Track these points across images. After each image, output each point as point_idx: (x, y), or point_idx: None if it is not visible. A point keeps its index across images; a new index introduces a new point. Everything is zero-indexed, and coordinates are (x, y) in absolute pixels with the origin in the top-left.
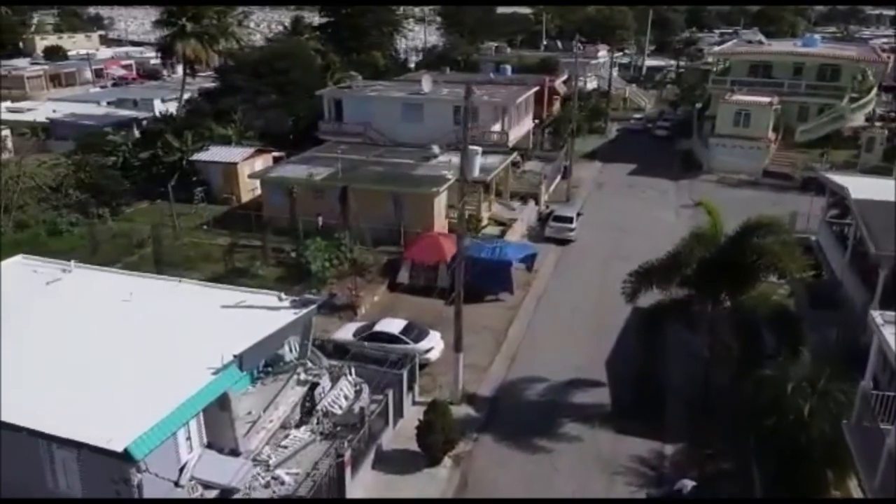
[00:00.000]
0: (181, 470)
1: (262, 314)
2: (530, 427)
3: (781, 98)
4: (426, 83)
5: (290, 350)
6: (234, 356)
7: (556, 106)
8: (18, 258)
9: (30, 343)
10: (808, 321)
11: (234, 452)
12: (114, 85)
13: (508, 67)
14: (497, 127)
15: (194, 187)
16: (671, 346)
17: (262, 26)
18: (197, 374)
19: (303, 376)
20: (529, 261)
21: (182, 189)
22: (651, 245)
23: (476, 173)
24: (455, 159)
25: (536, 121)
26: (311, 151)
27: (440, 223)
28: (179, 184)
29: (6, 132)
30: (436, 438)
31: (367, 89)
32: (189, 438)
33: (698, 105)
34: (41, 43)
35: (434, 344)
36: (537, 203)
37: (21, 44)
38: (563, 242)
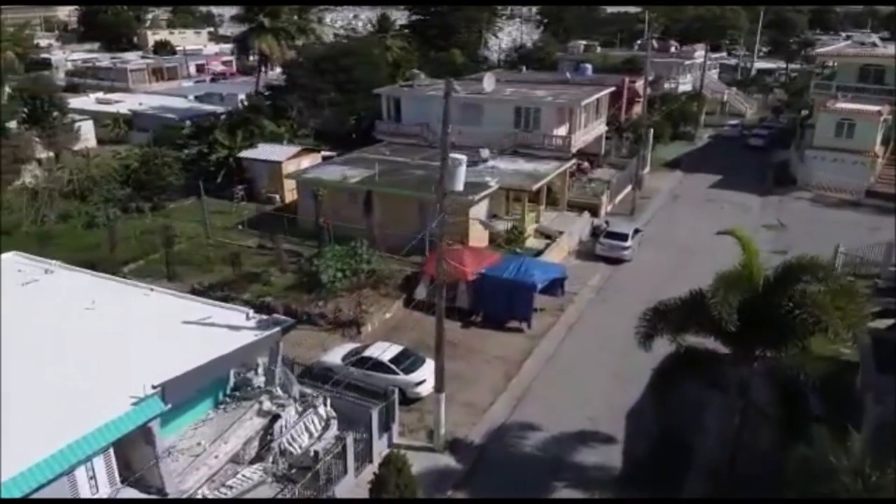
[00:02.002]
0: None
1: (222, 333)
2: (517, 487)
3: (894, 108)
4: (488, 82)
5: (258, 374)
6: (154, 387)
7: (638, 109)
8: (11, 255)
9: None
10: (872, 389)
11: (161, 492)
12: (211, 80)
13: (589, 67)
14: (560, 130)
15: (240, 185)
16: (699, 401)
17: (339, 24)
18: (117, 403)
19: (266, 405)
20: (559, 284)
21: (229, 186)
22: (717, 270)
23: (458, 187)
24: (503, 165)
25: (615, 124)
26: (357, 152)
27: (477, 235)
28: (227, 181)
29: (86, 123)
30: (388, 499)
31: (428, 88)
32: (94, 477)
33: (804, 112)
34: (153, 38)
35: (427, 376)
36: (596, 215)
37: (135, 38)
38: (616, 262)
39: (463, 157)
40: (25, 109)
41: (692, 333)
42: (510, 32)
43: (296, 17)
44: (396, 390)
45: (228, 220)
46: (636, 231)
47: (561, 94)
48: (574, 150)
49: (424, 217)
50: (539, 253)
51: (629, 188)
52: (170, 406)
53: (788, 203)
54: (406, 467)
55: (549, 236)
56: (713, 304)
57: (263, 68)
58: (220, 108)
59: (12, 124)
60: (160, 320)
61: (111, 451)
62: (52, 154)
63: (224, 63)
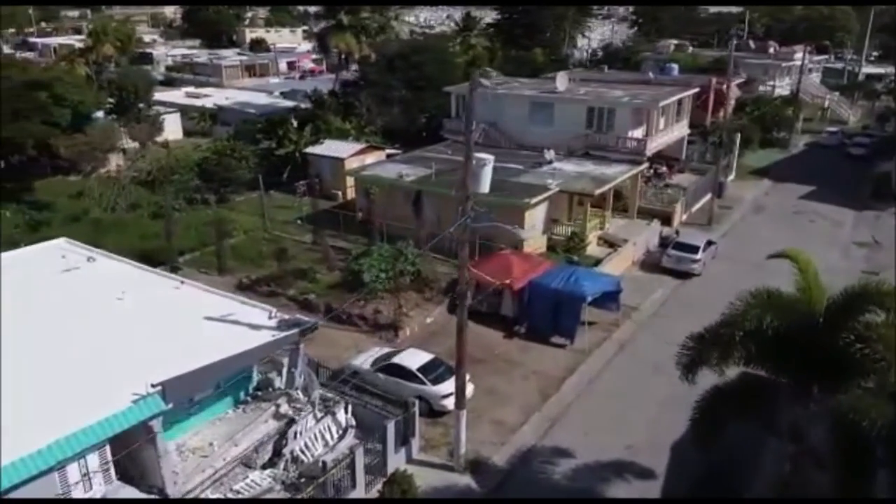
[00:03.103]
0: None
1: (240, 331)
2: None
3: None
4: (560, 81)
5: (281, 375)
6: (153, 385)
7: (728, 112)
8: (61, 241)
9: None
10: None
11: (161, 492)
12: (300, 77)
13: (675, 66)
14: (636, 133)
15: (303, 180)
16: (748, 440)
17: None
18: (119, 398)
19: (283, 408)
20: (613, 298)
21: (295, 181)
22: None
23: (483, 188)
24: (569, 167)
25: (699, 128)
26: (420, 150)
27: (532, 239)
28: (293, 176)
29: (173, 116)
30: (388, 499)
31: (499, 87)
32: (87, 474)
33: None
34: (250, 36)
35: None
36: (669, 224)
37: (234, 36)
38: (684, 276)
39: (489, 157)
40: (112, 100)
41: (741, 365)
42: (603, 33)
43: (376, 15)
44: (417, 402)
45: (290, 214)
46: (709, 243)
47: (639, 94)
48: (650, 153)
49: (474, 219)
50: (597, 262)
51: (708, 196)
52: (170, 405)
53: (887, 219)
54: (412, 489)
55: (612, 245)
56: (739, 331)
57: (344, 65)
58: (301, 105)
59: (99, 114)
60: (182, 315)
61: (107, 447)
62: (136, 144)
63: (314, 61)
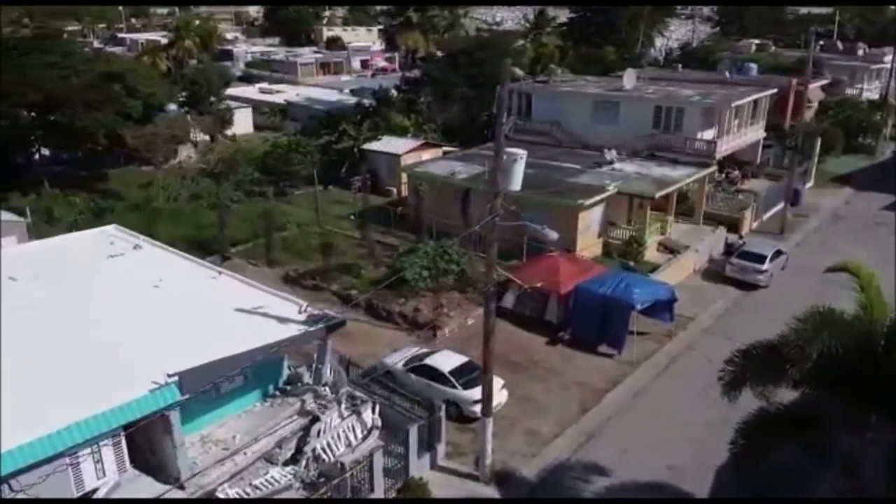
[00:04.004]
0: (86, 496)
1: (267, 324)
2: None
3: None
4: (627, 78)
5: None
6: (170, 375)
7: (809, 115)
8: (111, 228)
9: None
10: None
11: (178, 483)
12: (372, 75)
13: (754, 66)
14: (706, 134)
15: (358, 176)
16: (796, 470)
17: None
18: (137, 387)
19: (309, 405)
20: (667, 307)
21: (352, 177)
22: None
23: (514, 186)
24: (631, 168)
25: (777, 131)
26: (477, 148)
27: (586, 242)
28: (350, 171)
29: (245, 111)
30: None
31: (563, 84)
32: (100, 461)
33: None
34: (327, 34)
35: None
36: (737, 231)
37: (312, 35)
38: (748, 287)
39: (522, 153)
40: (185, 94)
41: (790, 387)
42: (686, 33)
43: (445, 12)
44: (444, 406)
45: (344, 210)
46: (778, 253)
47: (711, 93)
48: (720, 156)
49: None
50: (655, 269)
51: (782, 203)
52: (187, 396)
53: None
54: (427, 496)
55: (673, 251)
56: (790, 351)
57: (411, 63)
58: (365, 102)
59: (172, 107)
60: (214, 305)
61: (122, 436)
62: (206, 137)
63: (387, 59)
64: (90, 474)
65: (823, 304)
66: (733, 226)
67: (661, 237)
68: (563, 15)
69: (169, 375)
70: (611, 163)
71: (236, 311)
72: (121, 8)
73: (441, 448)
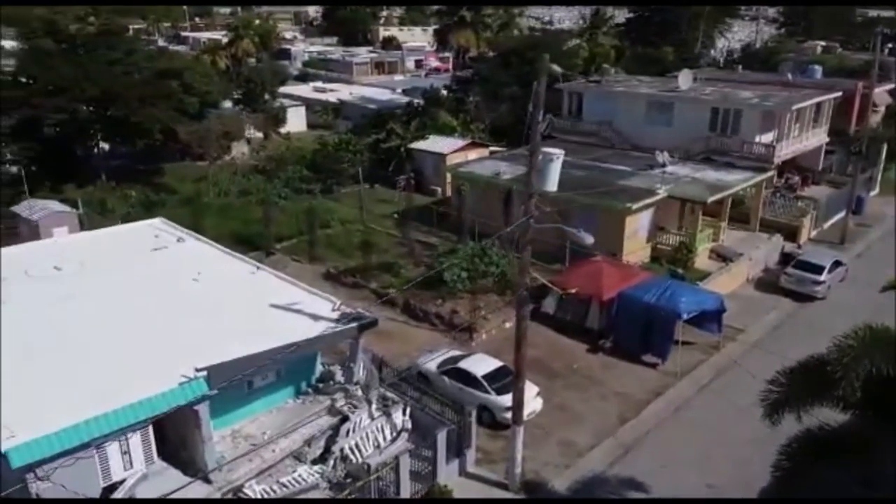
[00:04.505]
0: (112, 487)
1: (300, 321)
2: None
3: None
4: (683, 79)
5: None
6: (198, 369)
7: (876, 120)
8: (157, 221)
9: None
10: None
11: (205, 478)
12: (425, 75)
13: (818, 69)
14: (764, 138)
15: (402, 175)
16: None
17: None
18: (167, 380)
19: (340, 404)
20: (715, 318)
21: (398, 176)
22: None
23: (550, 186)
24: (684, 171)
25: (842, 136)
26: (523, 148)
27: (634, 247)
28: (396, 170)
29: (299, 109)
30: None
31: (616, 84)
32: (127, 452)
33: None
34: (383, 34)
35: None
36: (795, 240)
37: (368, 34)
38: (804, 298)
39: (559, 152)
40: (240, 92)
41: (837, 409)
42: (750, 34)
43: (500, 11)
44: (474, 411)
45: (389, 208)
46: (837, 263)
47: (771, 96)
48: (778, 161)
49: (568, 222)
50: (704, 277)
51: (844, 212)
52: (215, 391)
53: None
54: None
55: (725, 259)
56: (835, 370)
57: (462, 62)
58: (415, 101)
59: (227, 104)
60: (249, 300)
61: (149, 427)
62: (259, 134)
63: (441, 59)
64: (117, 465)
65: (880, 321)
66: (791, 234)
67: (713, 244)
68: (621, 15)
69: (197, 370)
70: (663, 165)
71: (271, 306)
72: (185, 7)
73: (471, 454)
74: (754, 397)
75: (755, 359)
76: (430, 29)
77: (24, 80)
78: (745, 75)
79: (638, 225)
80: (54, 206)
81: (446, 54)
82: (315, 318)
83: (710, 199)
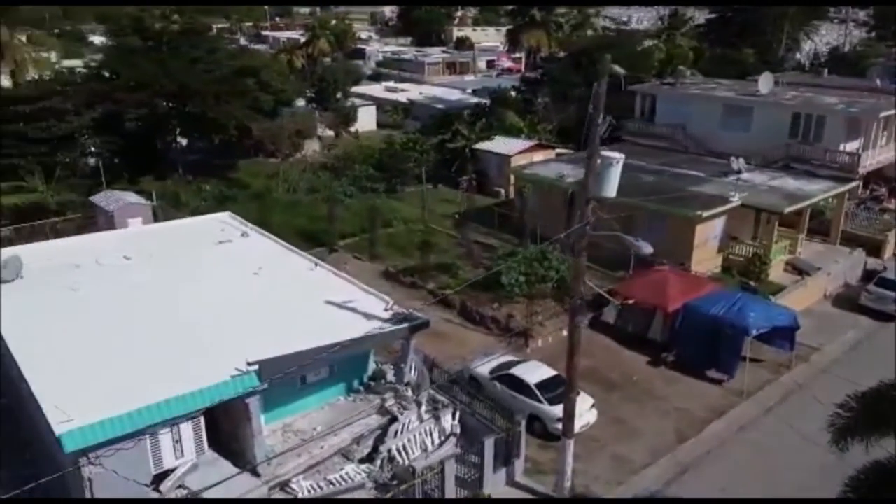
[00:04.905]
0: (163, 475)
1: (353, 319)
2: None
3: None
4: (763, 82)
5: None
6: (249, 363)
7: None
8: (225, 215)
9: (139, 295)
10: None
11: (254, 471)
12: (497, 75)
13: None
14: (849, 146)
15: (465, 175)
16: None
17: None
18: (219, 373)
19: (390, 403)
20: (787, 335)
21: (461, 176)
22: None
23: (609, 192)
24: (760, 179)
25: None
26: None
27: (704, 257)
28: (460, 171)
29: (369, 108)
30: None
31: (692, 87)
32: (179, 441)
33: None
34: (456, 34)
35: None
36: (879, 255)
37: (442, 35)
38: (886, 318)
39: (619, 156)
40: (313, 91)
41: None
42: (838, 37)
43: (574, 11)
44: (524, 420)
45: (451, 209)
46: None
47: (857, 102)
48: (864, 171)
49: (635, 229)
50: (778, 291)
51: None
52: (265, 385)
53: None
54: None
55: (802, 272)
56: None
57: (533, 62)
58: (482, 101)
59: (300, 103)
60: (305, 296)
61: (201, 418)
62: (330, 132)
63: (513, 59)
64: (169, 453)
65: None
66: (875, 249)
67: (790, 256)
68: (701, 16)
69: (249, 363)
70: (738, 172)
71: (325, 303)
72: (266, 7)
73: (520, 464)
74: (824, 422)
75: (828, 379)
76: (504, 29)
77: (107, 75)
78: (831, 80)
79: (709, 234)
80: (130, 197)
81: (519, 55)
82: (368, 316)
83: (788, 210)
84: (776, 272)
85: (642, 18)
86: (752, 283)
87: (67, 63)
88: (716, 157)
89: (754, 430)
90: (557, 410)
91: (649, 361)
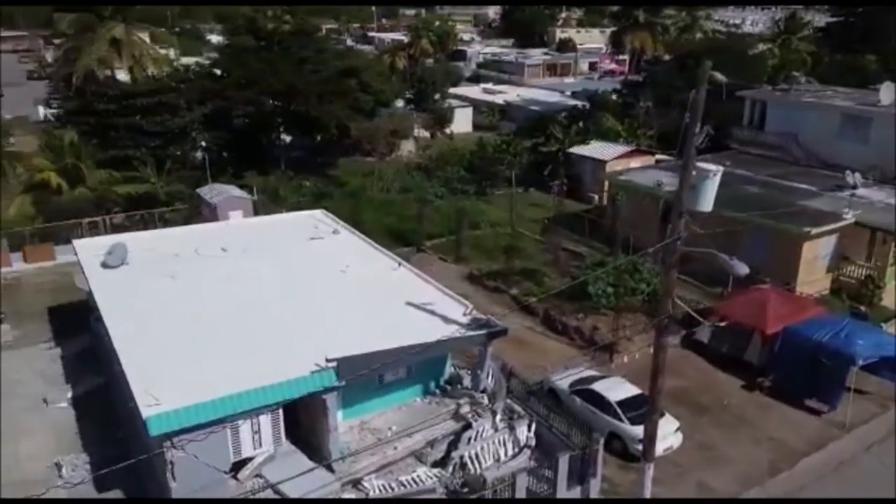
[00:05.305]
0: (241, 464)
1: (431, 322)
2: None
3: None
4: (885, 93)
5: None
6: (328, 360)
7: None
8: (318, 212)
9: (231, 287)
10: None
11: (329, 466)
12: (599, 78)
13: None
14: None
15: (557, 180)
16: None
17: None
18: (299, 368)
19: (465, 409)
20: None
21: (554, 180)
22: None
23: (705, 206)
24: (879, 195)
25: None
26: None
27: (811, 277)
28: (552, 175)
29: (466, 110)
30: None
31: (806, 94)
32: (258, 432)
33: None
34: (559, 36)
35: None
36: None
37: (545, 36)
38: None
39: (717, 169)
40: (411, 92)
41: None
42: None
43: (683, 14)
44: (603, 438)
45: (540, 213)
46: None
47: None
48: None
49: (736, 245)
50: (890, 318)
51: None
52: (343, 382)
53: None
54: None
55: None
56: None
57: (636, 65)
58: (580, 104)
59: (399, 103)
60: (387, 296)
61: (279, 410)
62: (426, 133)
63: (617, 62)
64: (248, 443)
65: None
66: None
67: None
68: (822, 19)
69: (328, 360)
70: (854, 187)
71: (406, 304)
72: (373, 8)
73: (595, 483)
74: None
75: None
76: (608, 31)
77: (219, 73)
78: None
79: (817, 252)
80: (233, 191)
81: (623, 57)
82: (446, 320)
83: None
84: (890, 297)
85: (757, 21)
86: (862, 307)
87: (185, 60)
88: (829, 171)
89: (854, 468)
90: (639, 430)
91: (744, 385)
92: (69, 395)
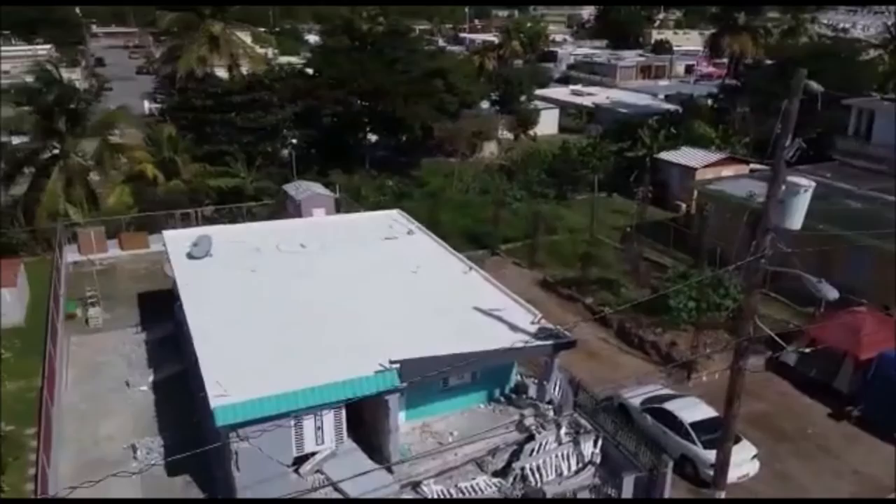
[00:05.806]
0: (302, 458)
1: (498, 329)
2: None
3: None
4: None
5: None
6: (391, 361)
7: None
8: (394, 212)
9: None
10: None
11: (389, 469)
12: (695, 81)
13: None
14: None
15: (643, 186)
16: None
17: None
18: (363, 367)
19: (529, 420)
20: None
21: (639, 186)
22: None
23: (794, 224)
24: None
25: None
26: (792, 169)
27: None
28: (638, 181)
29: (552, 112)
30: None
31: None
32: (321, 429)
33: None
34: (655, 37)
35: (734, 460)
36: None
37: (640, 37)
38: None
39: (808, 184)
40: (497, 93)
41: None
42: None
43: (787, 16)
44: (673, 461)
45: (622, 220)
46: None
47: None
48: None
49: (834, 264)
50: None
51: None
52: (405, 384)
53: None
54: None
55: None
56: None
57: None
58: (671, 108)
59: (484, 105)
60: (456, 300)
61: (342, 409)
62: (509, 134)
63: (715, 65)
64: (310, 438)
65: None
66: None
67: None
68: None
69: (391, 361)
70: None
71: (473, 309)
72: (466, 9)
73: None
74: None
75: None
76: (707, 33)
77: (311, 72)
78: None
79: None
80: (317, 188)
81: (721, 60)
82: (513, 328)
83: None
84: None
85: (868, 26)
86: None
87: (282, 59)
88: None
89: None
90: (713, 455)
91: (830, 414)
92: (150, 378)
